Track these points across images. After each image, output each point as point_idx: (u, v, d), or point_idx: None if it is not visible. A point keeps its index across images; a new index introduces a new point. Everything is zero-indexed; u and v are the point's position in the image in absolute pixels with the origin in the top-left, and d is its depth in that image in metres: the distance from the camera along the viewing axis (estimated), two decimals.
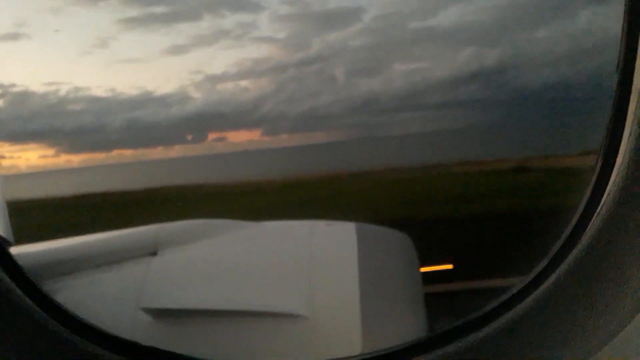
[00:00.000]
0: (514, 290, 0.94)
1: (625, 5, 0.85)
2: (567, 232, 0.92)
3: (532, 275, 0.93)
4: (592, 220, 0.87)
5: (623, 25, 0.86)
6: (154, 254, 1.97)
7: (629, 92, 0.86)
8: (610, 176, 0.88)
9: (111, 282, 1.83)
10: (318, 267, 1.84)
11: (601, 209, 0.86)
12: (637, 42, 0.84)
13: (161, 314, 1.70)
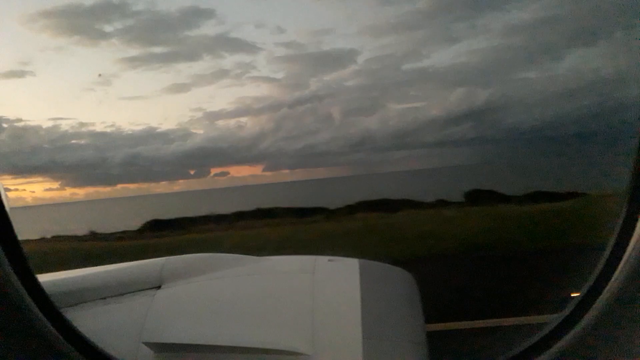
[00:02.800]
0: (551, 327, 0.92)
1: None
2: (597, 270, 0.91)
3: (568, 311, 0.91)
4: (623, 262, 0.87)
5: None
6: (159, 287, 1.97)
7: None
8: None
9: (115, 314, 1.82)
10: (321, 303, 1.81)
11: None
12: None
13: (162, 349, 1.68)
